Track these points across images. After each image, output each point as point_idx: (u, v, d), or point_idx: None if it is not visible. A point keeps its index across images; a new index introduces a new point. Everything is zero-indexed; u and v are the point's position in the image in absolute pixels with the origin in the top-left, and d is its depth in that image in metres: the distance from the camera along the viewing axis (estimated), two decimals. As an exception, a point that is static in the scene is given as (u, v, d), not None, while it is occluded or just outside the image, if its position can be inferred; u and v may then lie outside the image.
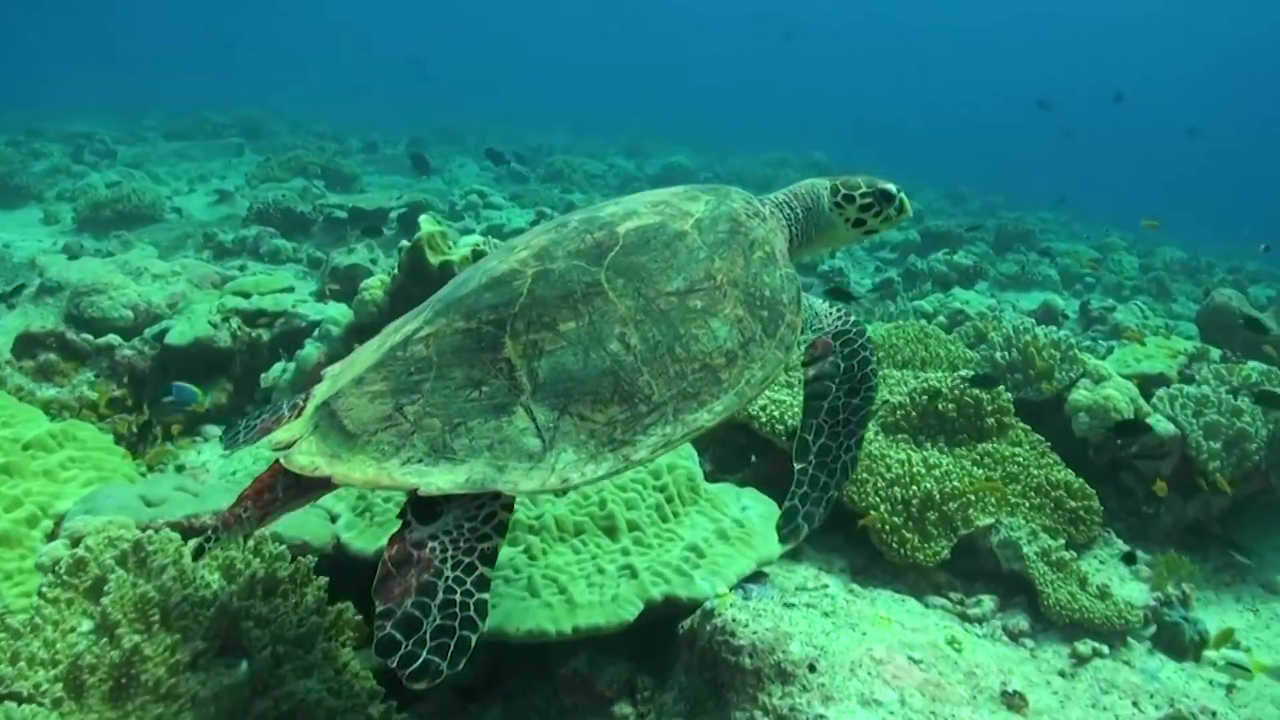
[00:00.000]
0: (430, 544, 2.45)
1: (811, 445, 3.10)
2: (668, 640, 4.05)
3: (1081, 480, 6.06)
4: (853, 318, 3.30)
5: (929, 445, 6.09)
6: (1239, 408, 6.39)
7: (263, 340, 7.16)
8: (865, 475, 5.42)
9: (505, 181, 20.87)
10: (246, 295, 7.41)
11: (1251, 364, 7.21)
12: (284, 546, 3.67)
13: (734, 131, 36.77)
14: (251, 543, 3.64)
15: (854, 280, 14.59)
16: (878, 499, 5.36)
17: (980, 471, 5.84)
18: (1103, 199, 29.00)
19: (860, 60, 74.84)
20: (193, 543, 3.51)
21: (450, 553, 2.44)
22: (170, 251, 12.14)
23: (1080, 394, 6.64)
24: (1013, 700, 3.88)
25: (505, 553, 4.10)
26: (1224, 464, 6.22)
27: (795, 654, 3.70)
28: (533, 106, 38.57)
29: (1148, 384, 7.15)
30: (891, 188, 3.52)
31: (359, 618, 3.88)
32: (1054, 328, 7.32)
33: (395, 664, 2.25)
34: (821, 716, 3.50)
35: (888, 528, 5.31)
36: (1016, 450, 6.08)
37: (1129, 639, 5.25)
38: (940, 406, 6.16)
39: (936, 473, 5.58)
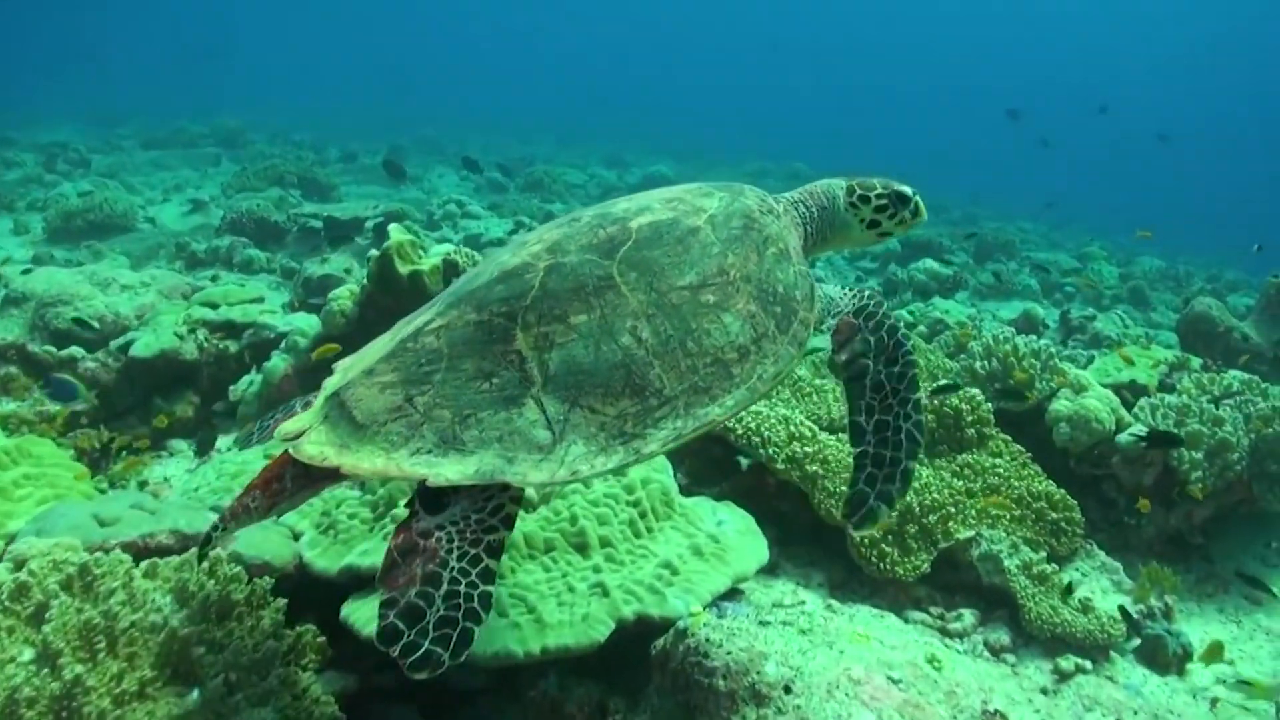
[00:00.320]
0: (437, 534, 2.45)
1: (866, 425, 3.02)
2: (640, 660, 3.94)
3: (1063, 491, 5.97)
4: (868, 291, 3.27)
5: (908, 457, 5.99)
6: (1220, 417, 6.33)
7: (230, 352, 7.02)
8: (844, 488, 5.31)
9: (485, 191, 20.77)
10: (215, 306, 7.27)
11: (1232, 373, 7.15)
12: (239, 568, 3.54)
13: (715, 142, 36.85)
14: (206, 564, 3.51)
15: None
16: (856, 512, 5.25)
17: (960, 483, 5.76)
18: (1082, 208, 29.14)
19: (841, 70, 75.10)
20: (146, 563, 3.40)
21: (456, 544, 2.43)
22: (142, 262, 12.01)
23: (1061, 404, 6.57)
24: (994, 720, 3.78)
25: (473, 571, 3.97)
26: (1206, 474, 6.15)
27: (770, 675, 3.58)
28: (515, 116, 38.52)
29: (1129, 393, 7.09)
30: (908, 190, 3.50)
31: (322, 640, 3.76)
32: (1034, 337, 7.24)
33: (397, 653, 2.26)
34: (797, 740, 3.40)
35: (866, 542, 5.21)
36: (997, 461, 5.99)
37: (1112, 653, 5.17)
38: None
39: (916, 485, 5.49)
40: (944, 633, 5.07)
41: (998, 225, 21.68)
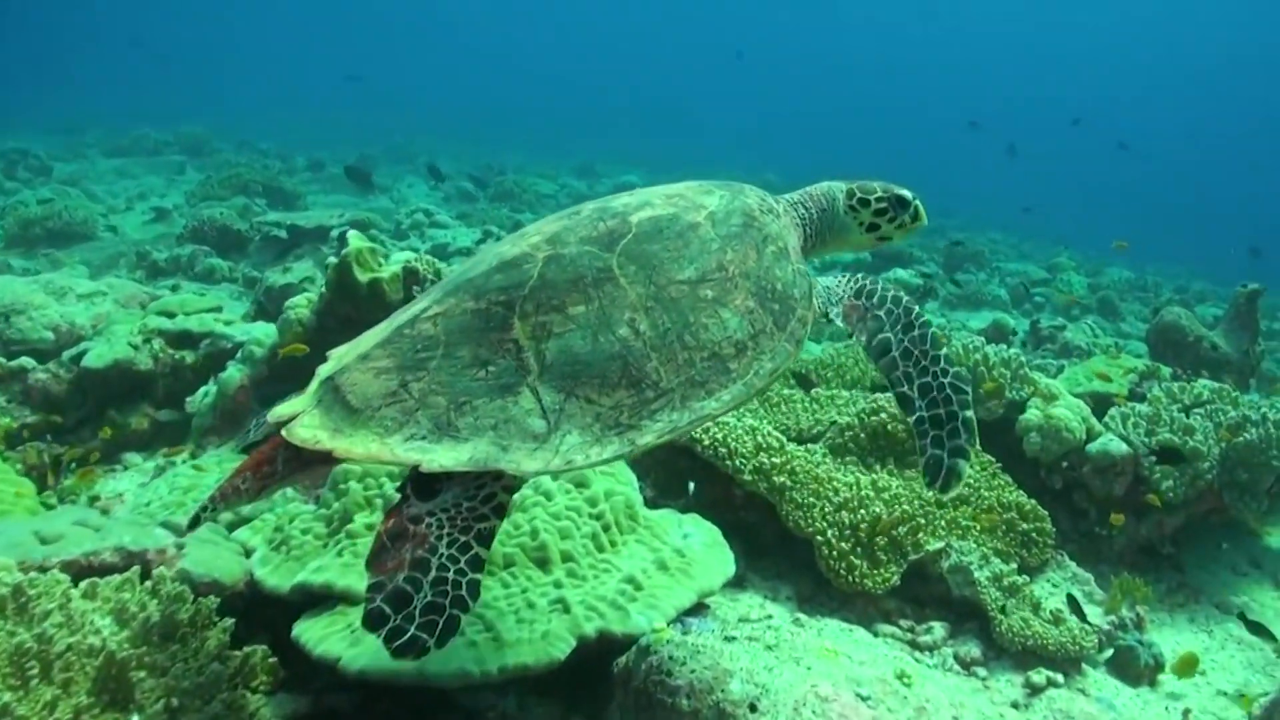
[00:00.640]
0: (427, 520, 2.46)
1: (911, 393, 3.06)
2: (602, 678, 3.82)
3: (1033, 502, 5.92)
4: (859, 274, 3.31)
5: (878, 467, 5.92)
6: (1191, 426, 6.30)
7: (187, 362, 6.84)
8: (812, 500, 5.23)
9: (454, 201, 20.63)
10: (171, 315, 7.08)
11: (1202, 382, 7.13)
12: (183, 587, 3.41)
13: (685, 152, 36.82)
14: (149, 583, 3.38)
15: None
16: (825, 524, 5.17)
17: (930, 494, 5.67)
18: (1051, 219, 29.31)
19: (811, 81, 75.45)
20: (85, 583, 3.26)
21: (447, 530, 2.44)
22: (102, 271, 11.77)
23: (1031, 413, 6.51)
24: (965, 738, 3.69)
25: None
26: (1177, 483, 6.11)
27: (735, 693, 3.47)
28: (485, 126, 38.42)
29: (1099, 402, 7.05)
30: (908, 194, 3.50)
31: (273, 661, 3.63)
32: (1004, 346, 7.19)
33: (383, 638, 2.25)
34: (763, 761, 3.29)
35: (835, 554, 5.12)
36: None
37: (1084, 665, 5.10)
38: (890, 427, 5.99)
39: (886, 495, 5.41)
40: (914, 646, 4.99)
41: (967, 235, 21.73)
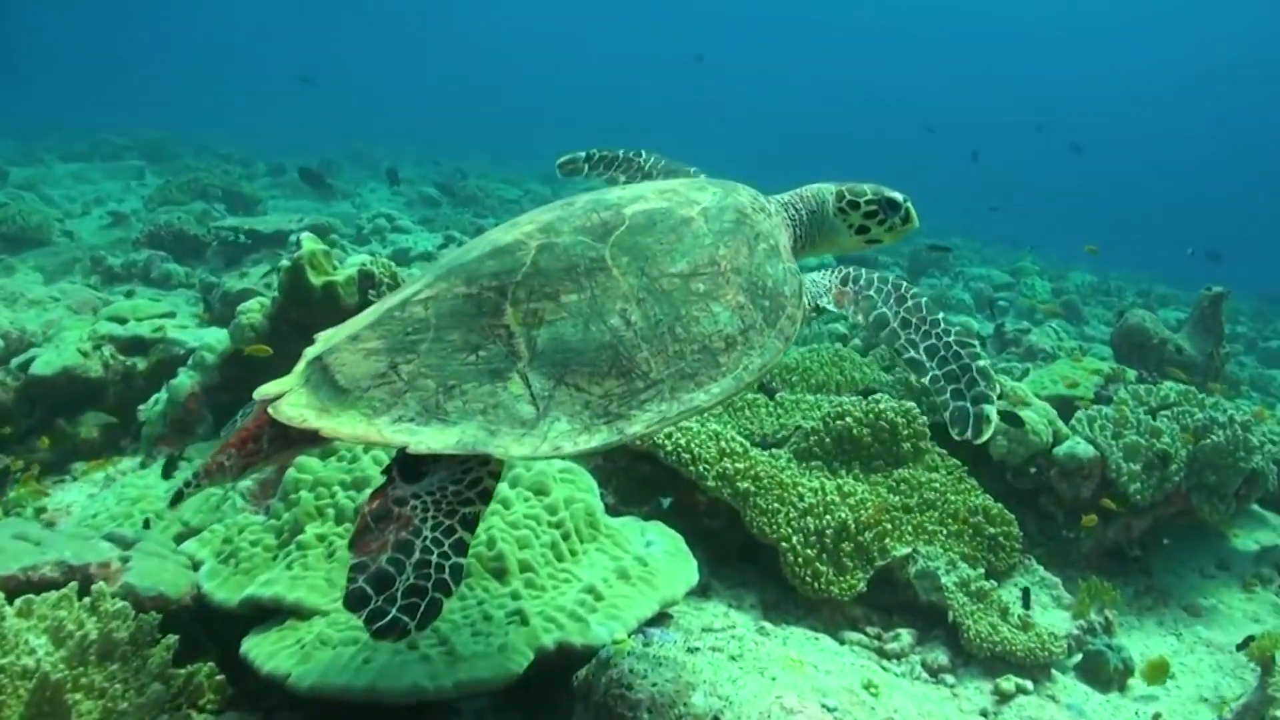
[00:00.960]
0: (412, 502, 2.45)
1: (919, 356, 3.15)
2: (562, 692, 3.71)
3: (1000, 506, 5.86)
4: (837, 264, 3.46)
5: (844, 472, 5.84)
6: (1158, 428, 6.27)
7: (138, 369, 6.67)
8: (777, 505, 5.15)
9: (417, 206, 20.45)
10: (122, 321, 6.90)
11: (1168, 384, 7.12)
12: (123, 603, 3.28)
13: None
14: (88, 599, 3.24)
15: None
16: (790, 530, 5.09)
17: (896, 499, 5.62)
18: (1012, 223, 29.47)
19: (771, 84, 75.69)
20: (21, 600, 3.12)
21: (431, 513, 2.43)
22: (56, 276, 11.54)
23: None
24: (933, 749, 3.61)
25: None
26: (1144, 485, 6.08)
27: (698, 707, 3.38)
28: (449, 131, 38.18)
29: (1065, 405, 7.02)
30: (898, 197, 3.52)
31: (220, 678, 3.51)
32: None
33: (364, 619, 2.23)
34: (726, 776, 3.20)
35: (800, 560, 5.03)
36: (933, 476, 5.86)
37: (1053, 671, 5.05)
38: (855, 431, 5.92)
39: (851, 501, 5.34)
40: (881, 654, 4.91)
41: (930, 241, 21.79)
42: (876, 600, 5.27)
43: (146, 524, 4.72)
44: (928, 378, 3.11)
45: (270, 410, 2.57)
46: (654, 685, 3.43)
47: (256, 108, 38.51)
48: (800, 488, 5.31)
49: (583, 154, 4.12)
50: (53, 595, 3.19)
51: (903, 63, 77.80)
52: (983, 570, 5.46)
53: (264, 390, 2.68)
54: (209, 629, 3.90)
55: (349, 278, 5.71)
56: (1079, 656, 5.24)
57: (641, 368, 2.66)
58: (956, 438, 3.01)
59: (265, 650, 3.50)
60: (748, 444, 5.52)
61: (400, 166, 21.27)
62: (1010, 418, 5.91)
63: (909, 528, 5.46)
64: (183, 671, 3.35)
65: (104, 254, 12.24)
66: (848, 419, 5.95)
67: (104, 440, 6.40)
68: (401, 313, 2.69)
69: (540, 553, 4.09)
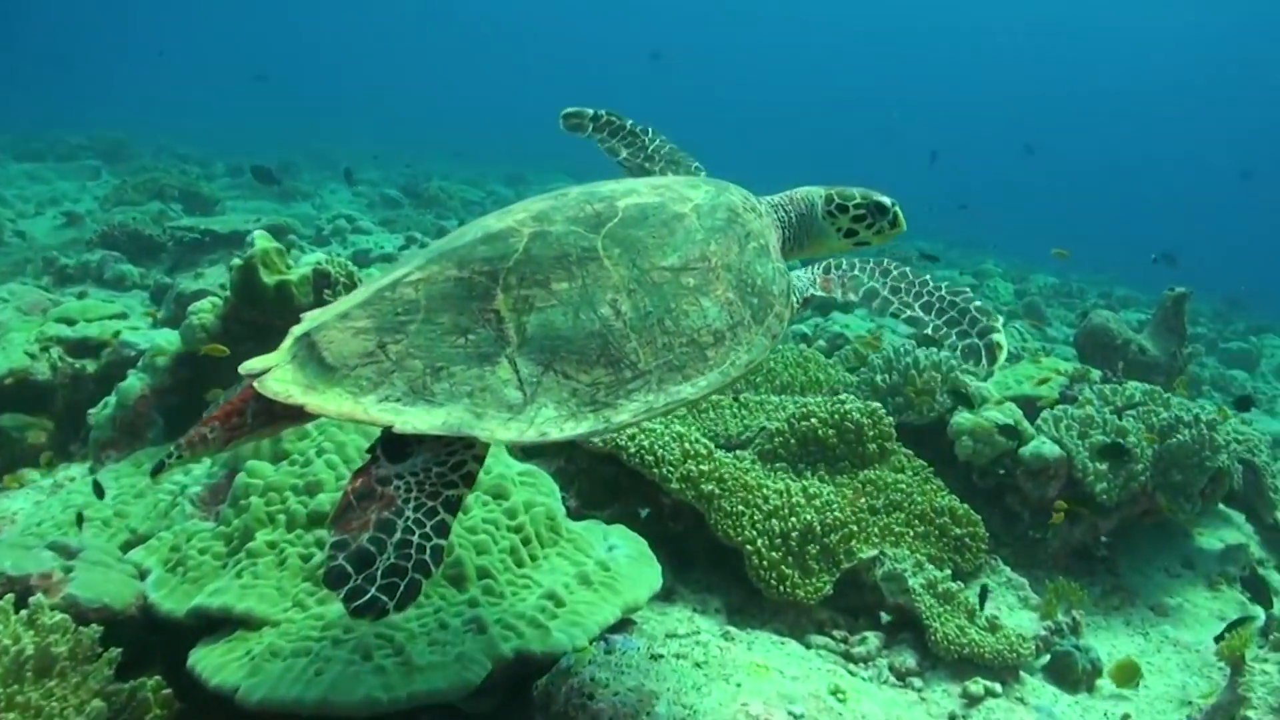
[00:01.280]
0: (396, 482, 2.45)
1: (916, 313, 3.26)
2: (522, 702, 3.61)
3: (966, 506, 5.81)
4: (816, 261, 3.51)
5: (809, 474, 5.77)
6: (1124, 428, 6.24)
7: (88, 372, 6.48)
8: (741, 508, 5.06)
9: (378, 207, 20.25)
10: (71, 322, 6.71)
11: (1133, 384, 7.11)
12: (62, 616, 3.14)
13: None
14: (25, 613, 3.10)
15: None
16: (754, 533, 5.00)
17: (863, 500, 5.55)
18: (975, 225, 29.60)
19: (730, 81, 75.80)
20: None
21: (414, 494, 2.43)
22: (7, 277, 11.29)
23: (963, 416, 6.42)
24: (902, 756, 3.54)
25: (336, 610, 3.60)
26: (1110, 485, 6.05)
27: (661, 716, 3.29)
28: (411, 132, 37.84)
29: (1029, 405, 6.99)
30: (886, 201, 3.55)
31: (167, 692, 3.37)
32: (934, 349, 7.10)
33: (342, 597, 2.23)
34: (691, 788, 3.11)
35: (766, 563, 4.95)
36: (899, 477, 5.80)
37: (1021, 673, 5.00)
38: (820, 432, 5.85)
39: (817, 503, 5.27)
40: (848, 658, 4.84)
41: (892, 246, 21.82)
42: (842, 603, 5.20)
43: (79, 520, 4.56)
44: (930, 329, 3.20)
45: (256, 385, 2.56)
46: (616, 695, 3.34)
47: (218, 108, 37.93)
48: (765, 490, 5.23)
49: (590, 111, 4.07)
50: (-14, 608, 3.06)
51: (866, 61, 78.18)
52: (949, 571, 5.40)
53: (250, 365, 2.66)
54: (157, 641, 3.77)
55: (303, 277, 5.56)
56: (1047, 657, 5.20)
57: (630, 358, 2.67)
58: (973, 370, 3.08)
59: (213, 662, 3.38)
60: (711, 445, 5.43)
61: (361, 168, 21.05)
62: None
63: (875, 529, 5.40)
64: (127, 686, 3.22)
65: (56, 254, 12.00)
66: (813, 420, 5.88)
67: (52, 445, 6.22)
68: (392, 293, 2.68)
69: (499, 558, 3.99)
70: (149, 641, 3.75)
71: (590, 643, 3.68)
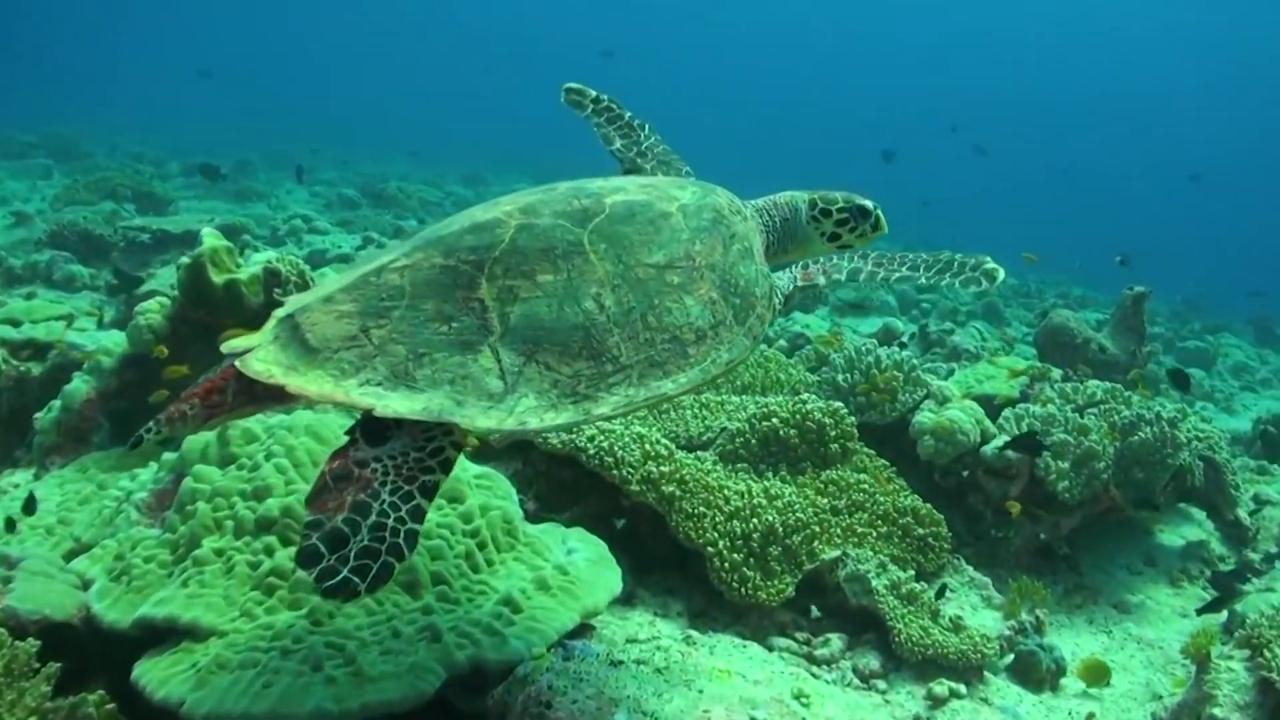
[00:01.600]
0: (373, 465, 2.47)
1: (907, 273, 3.47)
2: (478, 712, 3.52)
3: (929, 506, 5.77)
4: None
5: (770, 474, 5.71)
6: (1086, 426, 6.24)
7: (33, 374, 6.30)
8: (703, 509, 4.99)
9: (335, 208, 20.03)
10: (16, 324, 6.52)
11: (1094, 382, 7.12)
12: None
13: (572, 160, 36.40)
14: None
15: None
16: (716, 534, 4.94)
17: (825, 501, 5.50)
18: (932, 227, 29.76)
19: (689, 80, 75.68)
20: None
21: (391, 478, 2.45)
22: (-48, 279, 11.02)
23: (925, 416, 6.40)
24: (866, 761, 3.48)
25: (285, 619, 3.50)
26: (1073, 484, 6.04)
27: (621, 725, 3.21)
28: (370, 132, 37.47)
29: (989, 404, 6.98)
30: (868, 204, 3.59)
31: (111, 707, 3.24)
32: (896, 349, 7.08)
33: (314, 577, 2.24)
34: (651, 798, 3.03)
35: (727, 565, 4.88)
36: (861, 477, 5.75)
37: (986, 673, 4.97)
38: (782, 432, 5.79)
39: (779, 504, 5.20)
40: (811, 660, 4.79)
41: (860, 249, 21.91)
42: (805, 605, 5.14)
43: (10, 526, 4.42)
44: (923, 279, 3.39)
45: (238, 364, 2.57)
46: (574, 703, 3.26)
47: (173, 108, 37.43)
48: (727, 491, 5.16)
49: (593, 92, 4.07)
50: (-84, 622, 2.93)
51: (820, 63, 78.52)
52: (913, 572, 5.36)
53: (232, 344, 2.67)
54: (100, 653, 3.64)
55: (253, 276, 5.43)
56: (1011, 657, 5.17)
57: (612, 352, 2.70)
58: (975, 291, 3.35)
59: (158, 676, 3.28)
60: (672, 446, 5.36)
61: (318, 168, 20.81)
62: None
63: (838, 530, 5.35)
64: (67, 702, 3.09)
65: (4, 254, 11.75)
66: (774, 420, 5.82)
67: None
68: (377, 279, 2.70)
69: (454, 564, 3.89)
70: (92, 654, 3.62)
71: (548, 649, 3.60)
